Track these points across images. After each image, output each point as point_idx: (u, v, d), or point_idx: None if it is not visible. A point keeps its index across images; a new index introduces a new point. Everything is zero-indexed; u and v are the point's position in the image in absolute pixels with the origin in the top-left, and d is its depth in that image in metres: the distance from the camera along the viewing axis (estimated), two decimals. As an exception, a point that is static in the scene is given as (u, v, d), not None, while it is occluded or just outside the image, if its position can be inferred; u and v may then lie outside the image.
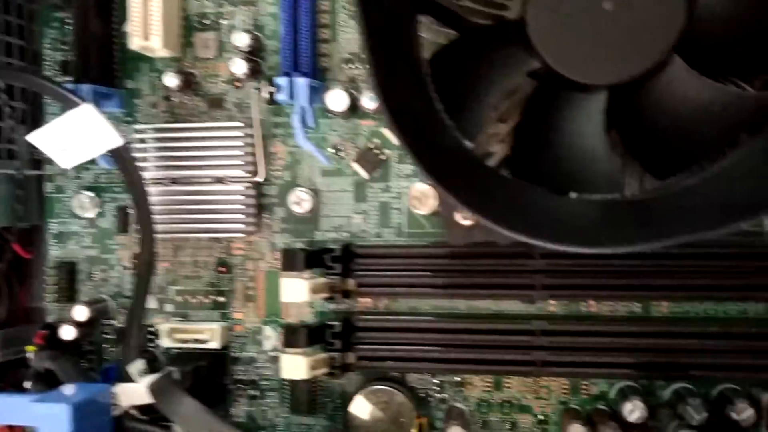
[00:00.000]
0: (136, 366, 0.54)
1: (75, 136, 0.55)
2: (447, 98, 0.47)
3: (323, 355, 0.59)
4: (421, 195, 0.48)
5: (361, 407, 0.61)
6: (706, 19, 0.44)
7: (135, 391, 0.54)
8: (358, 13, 0.41)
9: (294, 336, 0.58)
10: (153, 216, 0.57)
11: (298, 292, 0.57)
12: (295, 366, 0.57)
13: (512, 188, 0.45)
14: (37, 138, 0.56)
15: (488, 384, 0.62)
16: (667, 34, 0.43)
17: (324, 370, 0.59)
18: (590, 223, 0.42)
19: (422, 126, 0.44)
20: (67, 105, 0.54)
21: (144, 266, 0.56)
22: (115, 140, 0.55)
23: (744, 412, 0.55)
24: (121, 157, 0.56)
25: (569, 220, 0.43)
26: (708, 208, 0.42)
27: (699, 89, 0.45)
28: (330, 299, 0.60)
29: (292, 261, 0.58)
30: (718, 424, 0.55)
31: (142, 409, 0.56)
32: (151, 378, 0.54)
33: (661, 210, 0.44)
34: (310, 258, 0.58)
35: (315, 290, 0.58)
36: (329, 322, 0.60)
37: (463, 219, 0.44)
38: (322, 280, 0.59)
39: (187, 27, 0.63)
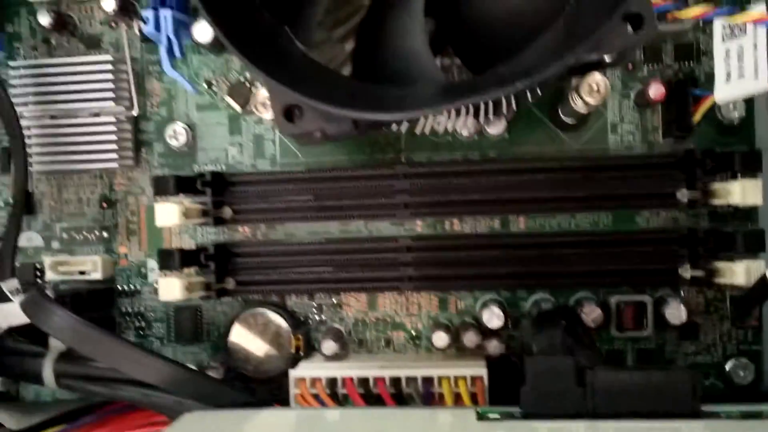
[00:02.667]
0: (12, 284, 0.55)
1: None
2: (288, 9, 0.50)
3: (199, 278, 0.61)
4: (264, 99, 0.51)
5: (240, 332, 0.63)
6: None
7: (9, 311, 0.55)
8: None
9: (168, 259, 0.60)
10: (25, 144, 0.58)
11: (169, 215, 0.59)
12: (171, 287, 0.59)
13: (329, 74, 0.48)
14: None
15: (363, 304, 0.64)
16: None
17: (201, 293, 0.61)
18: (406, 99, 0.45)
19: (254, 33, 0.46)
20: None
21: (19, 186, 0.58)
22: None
23: (593, 314, 0.59)
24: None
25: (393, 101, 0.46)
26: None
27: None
28: (204, 224, 0.62)
29: (163, 187, 0.60)
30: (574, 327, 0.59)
31: (20, 330, 0.57)
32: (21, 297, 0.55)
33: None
34: (181, 183, 0.61)
35: (188, 215, 0.60)
36: (201, 246, 0.62)
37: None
38: (194, 205, 0.61)
39: (61, -31, 0.66)
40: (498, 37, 0.49)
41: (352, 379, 0.58)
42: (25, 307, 0.54)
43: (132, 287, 0.66)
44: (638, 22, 0.44)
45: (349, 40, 0.54)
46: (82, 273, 0.65)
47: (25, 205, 0.59)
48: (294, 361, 0.62)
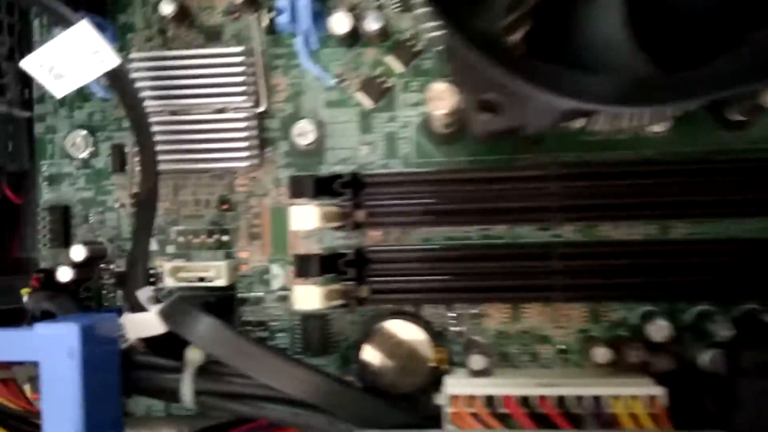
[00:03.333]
0: (146, 292, 0.51)
1: (69, 59, 0.52)
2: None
3: (337, 286, 0.57)
4: (440, 93, 0.46)
5: (375, 344, 0.59)
6: None
7: (143, 321, 0.51)
8: None
9: (306, 265, 0.56)
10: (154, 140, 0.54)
11: (308, 218, 0.54)
12: (309, 296, 0.55)
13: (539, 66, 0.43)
14: (29, 63, 0.53)
15: (506, 315, 0.60)
16: None
17: (338, 302, 0.57)
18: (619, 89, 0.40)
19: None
20: (62, 23, 0.51)
21: (147, 183, 0.53)
22: (112, 60, 0.52)
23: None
24: (118, 79, 0.53)
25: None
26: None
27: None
28: (341, 228, 0.58)
29: (302, 188, 0.56)
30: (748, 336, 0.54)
31: (149, 343, 0.53)
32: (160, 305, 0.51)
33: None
34: (319, 185, 0.56)
35: (326, 218, 0.55)
36: (340, 252, 0.57)
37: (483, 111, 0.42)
38: (332, 207, 0.56)
39: (183, -44, 0.61)
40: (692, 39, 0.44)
41: (512, 397, 0.53)
42: (167, 314, 0.50)
43: (254, 295, 0.62)
44: None
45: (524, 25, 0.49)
46: (201, 279, 0.61)
47: (155, 206, 0.54)
48: (434, 377, 0.57)
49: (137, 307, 0.52)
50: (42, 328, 0.46)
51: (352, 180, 0.57)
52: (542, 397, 0.53)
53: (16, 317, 0.65)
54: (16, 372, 0.64)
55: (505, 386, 0.54)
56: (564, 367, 0.59)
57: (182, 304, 0.50)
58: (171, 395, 0.52)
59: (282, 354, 0.52)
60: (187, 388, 0.51)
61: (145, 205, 0.53)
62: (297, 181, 0.56)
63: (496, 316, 0.60)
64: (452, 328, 0.60)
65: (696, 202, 0.56)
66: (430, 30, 0.57)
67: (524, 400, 0.53)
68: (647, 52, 0.48)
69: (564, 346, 0.59)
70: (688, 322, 0.58)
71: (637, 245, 0.58)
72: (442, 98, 0.46)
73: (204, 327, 0.49)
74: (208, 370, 0.52)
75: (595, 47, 0.45)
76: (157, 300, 0.52)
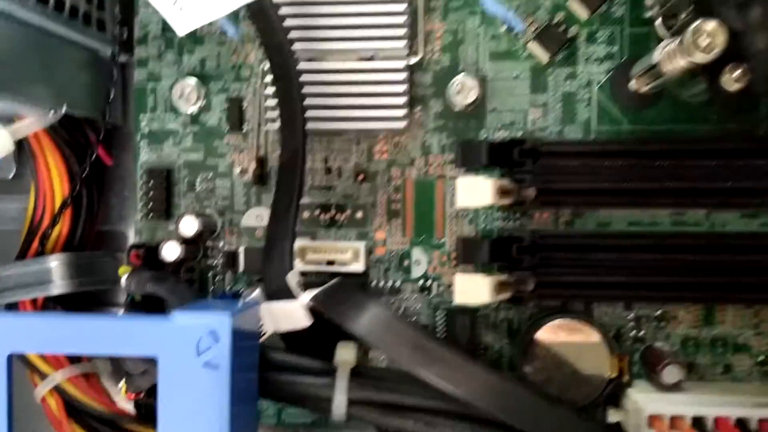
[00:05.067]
0: (295, 276, 0.41)
1: (202, -16, 0.42)
2: None
3: (505, 277, 0.47)
4: (709, 33, 0.35)
5: (540, 348, 0.49)
6: None
7: (286, 311, 0.41)
8: None
9: (474, 249, 0.46)
10: (299, 90, 0.44)
11: (481, 193, 0.44)
12: (476, 288, 0.45)
13: None
14: (149, -11, 0.43)
15: (697, 318, 0.50)
16: None
17: (507, 295, 0.47)
18: None
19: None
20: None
21: (292, 144, 0.43)
22: (257, -13, 0.42)
23: None
24: (262, 13, 0.43)
25: None
26: None
27: None
28: (513, 207, 0.48)
29: (473, 155, 0.46)
30: None
31: (287, 339, 0.43)
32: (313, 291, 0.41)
33: None
34: (493, 153, 0.46)
35: (501, 192, 0.45)
36: (516, 235, 0.47)
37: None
38: (505, 181, 0.46)
39: None
40: None
41: (727, 420, 0.44)
42: (323, 301, 0.40)
43: (391, 283, 0.52)
44: None
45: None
46: (330, 263, 0.50)
47: (303, 170, 0.44)
48: (615, 388, 0.48)
49: (278, 294, 0.42)
50: (183, 318, 0.36)
51: (531, 149, 0.47)
52: (763, 421, 0.44)
53: (97, 301, 0.55)
54: (99, 365, 0.55)
55: (713, 405, 0.45)
56: (765, 382, 0.50)
57: (348, 290, 0.40)
58: (317, 403, 0.42)
59: (471, 357, 0.41)
60: (341, 396, 0.41)
61: (288, 169, 0.43)
62: (468, 147, 0.46)
63: (684, 320, 0.50)
64: (630, 333, 0.50)
65: None
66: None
67: (741, 424, 0.44)
68: None
69: (764, 358, 0.50)
70: None
71: None
72: (708, 42, 0.35)
73: (371, 316, 0.39)
74: (361, 373, 0.42)
75: None
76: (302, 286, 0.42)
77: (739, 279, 0.47)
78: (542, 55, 0.50)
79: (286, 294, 0.42)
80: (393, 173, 0.52)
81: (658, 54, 0.42)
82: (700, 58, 0.36)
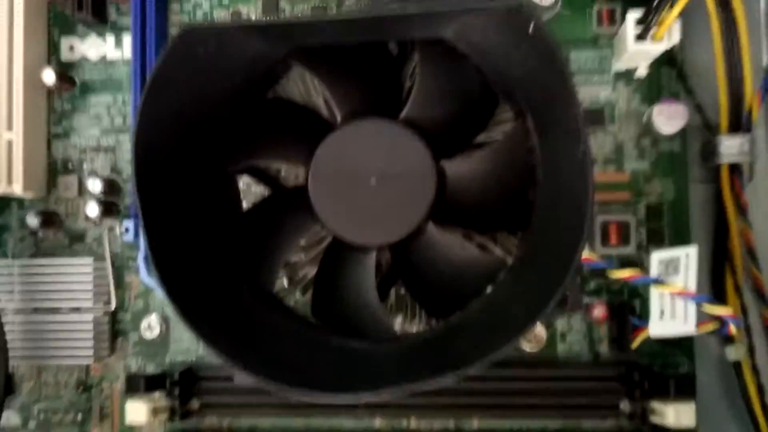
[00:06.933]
0: None
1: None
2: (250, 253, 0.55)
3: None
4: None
5: None
6: (454, 192, 0.52)
7: None
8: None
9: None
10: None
11: (139, 413, 0.63)
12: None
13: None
14: None
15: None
16: (420, 206, 0.51)
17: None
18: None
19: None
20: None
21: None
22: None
23: None
24: None
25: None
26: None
27: (451, 247, 0.52)
28: (171, 419, 0.66)
29: (134, 384, 0.64)
30: None
31: None
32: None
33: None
34: (150, 383, 0.64)
35: (156, 411, 0.64)
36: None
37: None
38: (163, 402, 0.64)
39: (53, 171, 0.71)
40: (446, 287, 0.53)
41: None
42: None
43: (98, 468, 0.69)
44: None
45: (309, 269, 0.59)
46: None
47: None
48: None
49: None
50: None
51: (180, 378, 0.65)
52: None
53: None
54: None
55: None
56: None
57: None
58: None
59: None
60: None
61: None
62: (132, 379, 0.64)
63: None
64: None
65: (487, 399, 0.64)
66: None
67: None
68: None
69: None
70: None
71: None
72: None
73: None
74: None
75: (356, 305, 0.54)
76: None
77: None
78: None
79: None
80: (104, 386, 0.70)
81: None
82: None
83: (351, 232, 0.53)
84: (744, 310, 0.63)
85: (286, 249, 0.55)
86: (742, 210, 0.62)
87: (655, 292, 0.57)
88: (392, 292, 0.60)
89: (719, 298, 0.60)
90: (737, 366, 0.63)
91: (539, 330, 0.55)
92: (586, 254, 0.54)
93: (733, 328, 0.54)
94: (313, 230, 0.55)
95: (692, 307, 0.54)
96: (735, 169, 0.63)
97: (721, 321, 0.54)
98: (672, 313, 0.56)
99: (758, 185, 0.65)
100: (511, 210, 0.53)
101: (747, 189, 0.63)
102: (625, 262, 0.63)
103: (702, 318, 0.56)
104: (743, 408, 0.63)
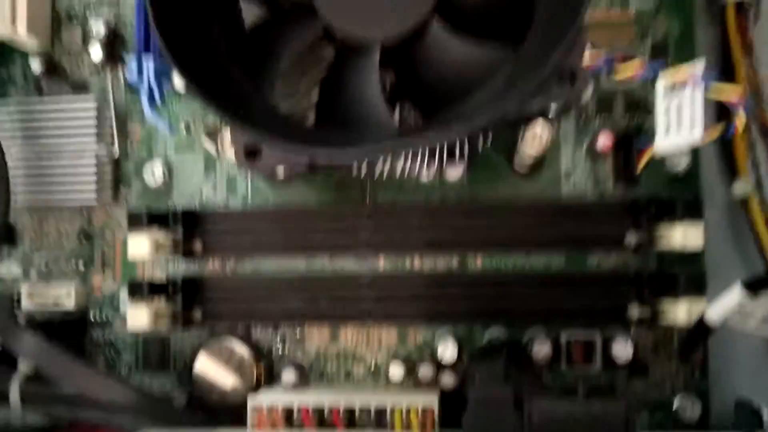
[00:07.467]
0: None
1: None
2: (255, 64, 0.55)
3: (164, 307, 0.64)
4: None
5: (205, 362, 0.66)
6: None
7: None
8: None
9: (137, 289, 0.63)
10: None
11: (141, 247, 0.62)
12: (138, 316, 0.62)
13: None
14: None
15: (325, 337, 0.67)
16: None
17: (166, 321, 0.64)
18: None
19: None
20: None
21: None
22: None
23: (542, 350, 0.61)
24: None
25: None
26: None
27: (455, 47, 0.52)
28: (173, 258, 0.65)
29: (136, 221, 0.64)
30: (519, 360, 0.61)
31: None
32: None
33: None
34: (154, 219, 0.64)
35: (158, 248, 0.63)
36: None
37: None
38: (165, 238, 0.64)
39: (56, 22, 0.71)
40: (446, 88, 0.53)
41: (308, 410, 0.60)
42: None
43: (104, 318, 0.69)
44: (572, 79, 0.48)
45: (313, 92, 0.58)
46: (56, 304, 0.68)
47: (5, 236, 0.62)
48: (256, 391, 0.64)
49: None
50: None
51: (183, 215, 0.65)
52: (334, 409, 0.59)
53: None
54: None
55: (305, 399, 0.60)
56: (373, 385, 0.66)
57: (9, 321, 0.57)
58: (2, 398, 0.59)
59: (91, 365, 0.59)
60: (15, 392, 0.58)
61: None
62: (133, 216, 0.64)
63: (316, 338, 0.67)
64: (278, 349, 0.67)
65: (489, 238, 0.64)
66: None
67: (319, 412, 0.60)
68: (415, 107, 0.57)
69: (374, 365, 0.66)
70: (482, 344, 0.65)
71: (440, 275, 0.65)
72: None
73: (27, 340, 0.56)
74: (37, 378, 0.59)
75: (358, 107, 0.54)
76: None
77: (352, 307, 0.65)
78: (212, 148, 0.68)
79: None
80: (107, 234, 0.69)
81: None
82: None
83: (354, 25, 0.52)
84: (752, 146, 0.63)
85: (284, 55, 0.55)
86: (748, 49, 0.62)
87: (660, 107, 0.57)
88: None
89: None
90: (744, 203, 0.63)
91: (540, 130, 0.54)
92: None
93: (741, 117, 0.53)
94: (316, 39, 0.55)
95: (699, 110, 0.54)
96: (741, 8, 0.63)
97: (728, 124, 0.54)
98: (678, 124, 0.56)
99: (764, 26, 0.65)
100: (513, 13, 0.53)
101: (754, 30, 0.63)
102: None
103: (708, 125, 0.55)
104: (750, 244, 0.63)
